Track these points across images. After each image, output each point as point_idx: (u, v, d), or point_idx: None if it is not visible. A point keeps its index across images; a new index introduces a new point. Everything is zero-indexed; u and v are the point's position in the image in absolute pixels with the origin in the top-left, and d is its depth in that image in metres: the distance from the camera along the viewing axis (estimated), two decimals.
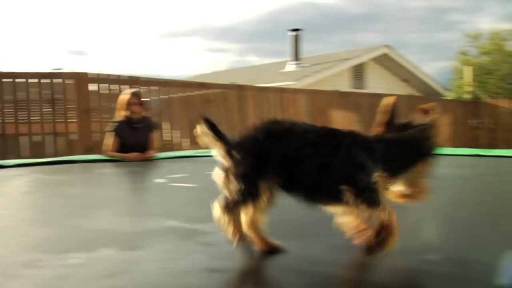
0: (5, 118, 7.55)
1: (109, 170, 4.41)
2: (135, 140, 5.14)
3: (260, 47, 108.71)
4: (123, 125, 5.21)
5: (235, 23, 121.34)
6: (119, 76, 8.56)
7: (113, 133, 5.16)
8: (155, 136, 5.40)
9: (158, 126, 5.47)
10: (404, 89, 18.93)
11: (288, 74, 17.31)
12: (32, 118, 7.69)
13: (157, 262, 1.44)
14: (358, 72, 18.07)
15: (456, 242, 1.67)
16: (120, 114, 5.28)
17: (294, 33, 18.76)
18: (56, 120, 7.89)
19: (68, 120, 7.95)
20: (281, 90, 11.00)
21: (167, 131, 8.97)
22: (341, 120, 12.04)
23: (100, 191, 3.13)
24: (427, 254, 1.47)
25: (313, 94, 11.56)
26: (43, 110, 7.81)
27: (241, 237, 1.47)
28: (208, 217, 1.52)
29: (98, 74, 8.30)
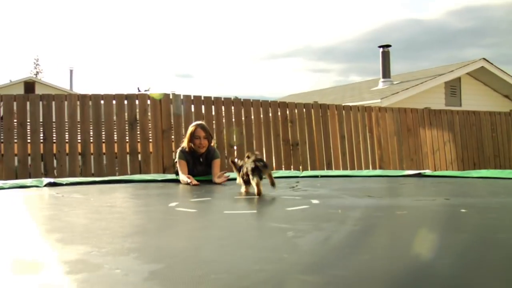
0: (89, 137, 7.85)
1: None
2: (198, 170, 5.27)
3: (363, 66, 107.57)
4: (188, 155, 5.32)
5: (337, 43, 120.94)
6: (200, 96, 8.64)
7: (181, 160, 5.24)
8: (217, 164, 5.35)
9: (219, 156, 5.45)
10: (507, 105, 17.75)
11: (375, 92, 16.79)
12: (113, 137, 7.95)
13: None
14: (453, 88, 17.17)
15: None
16: (186, 143, 5.38)
17: (383, 49, 18.15)
18: (138, 140, 8.12)
19: (150, 140, 8.15)
20: (366, 109, 10.64)
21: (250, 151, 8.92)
22: (432, 139, 11.50)
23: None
24: None
25: (401, 113, 11.12)
26: (125, 129, 8.06)
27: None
28: None
29: (175, 95, 8.44)
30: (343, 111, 10.22)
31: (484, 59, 16.98)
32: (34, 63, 60.54)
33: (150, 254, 1.82)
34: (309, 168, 9.37)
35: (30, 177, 6.45)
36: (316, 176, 5.57)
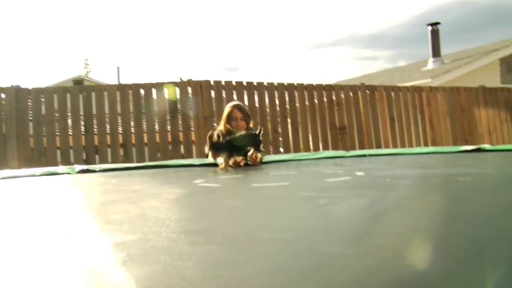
0: (130, 128, 7.74)
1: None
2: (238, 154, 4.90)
3: (411, 52, 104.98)
4: (224, 137, 4.98)
5: (383, 29, 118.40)
6: (241, 82, 8.39)
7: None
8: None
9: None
10: None
11: (426, 72, 16.06)
12: (154, 127, 7.82)
13: None
14: (509, 64, 16.22)
15: None
16: (222, 126, 5.09)
17: (432, 27, 17.29)
18: (179, 128, 7.96)
19: (192, 128, 7.97)
20: (416, 89, 10.13)
21: (295, 136, 8.63)
22: (488, 119, 10.88)
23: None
24: None
25: (453, 92, 10.53)
26: (166, 118, 7.91)
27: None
28: None
29: (216, 81, 8.21)
30: (392, 92, 9.75)
31: None
32: (84, 63, 61.77)
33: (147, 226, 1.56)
34: None
35: None
36: (364, 155, 5.23)
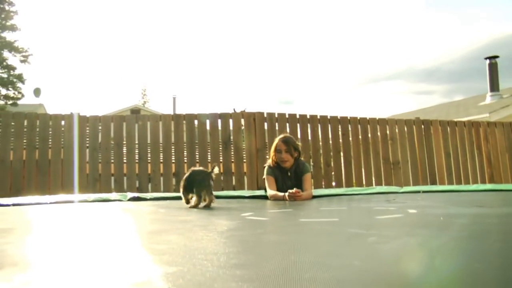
0: (183, 157, 7.84)
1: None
2: (286, 186, 4.91)
3: (468, 87, 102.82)
4: (275, 169, 5.04)
5: (440, 63, 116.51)
6: (295, 114, 8.39)
7: (268, 175, 4.98)
8: (308, 178, 5.03)
9: (309, 169, 5.12)
10: None
11: (483, 107, 15.64)
12: (206, 157, 7.87)
13: None
14: None
15: None
16: (270, 158, 5.14)
17: (490, 61, 16.92)
18: (232, 159, 8.00)
19: (244, 160, 8.00)
20: (473, 124, 9.85)
21: (348, 170, 8.52)
22: None
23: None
24: None
25: None
26: (218, 149, 7.97)
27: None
28: None
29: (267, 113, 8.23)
30: (448, 127, 9.52)
31: None
32: (142, 93, 63.54)
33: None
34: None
35: None
36: (418, 192, 5.09)
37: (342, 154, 8.56)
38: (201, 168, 4.14)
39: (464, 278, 1.22)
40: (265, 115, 8.22)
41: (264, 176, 5.10)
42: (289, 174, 5.04)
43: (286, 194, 4.55)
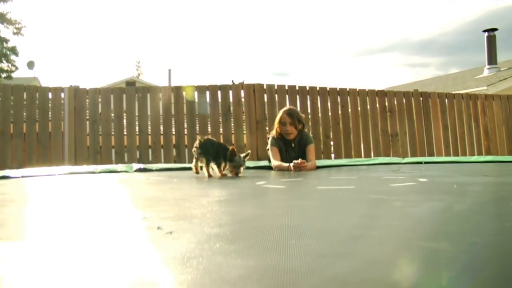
0: (183, 129, 7.84)
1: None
2: (290, 157, 5.00)
3: (464, 59, 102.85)
4: (280, 141, 5.11)
5: (435, 36, 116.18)
6: (294, 86, 8.39)
7: (273, 146, 5.04)
8: (311, 149, 5.10)
9: (312, 141, 5.18)
10: None
11: (480, 80, 15.69)
12: (207, 128, 7.88)
13: None
14: None
15: None
16: (274, 130, 5.20)
17: (488, 33, 16.87)
18: (232, 131, 8.00)
19: (244, 132, 8.01)
20: (471, 97, 9.89)
21: (346, 142, 8.56)
22: None
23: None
24: None
25: (510, 100, 10.23)
26: (218, 120, 7.97)
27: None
28: None
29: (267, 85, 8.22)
30: (446, 100, 9.55)
31: None
32: (136, 65, 63.12)
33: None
34: None
35: None
36: (420, 163, 5.14)
37: (341, 126, 8.58)
38: (213, 138, 4.24)
39: (499, 235, 1.26)
40: (265, 87, 8.20)
41: (268, 147, 5.15)
42: (293, 145, 5.10)
43: (291, 164, 4.60)
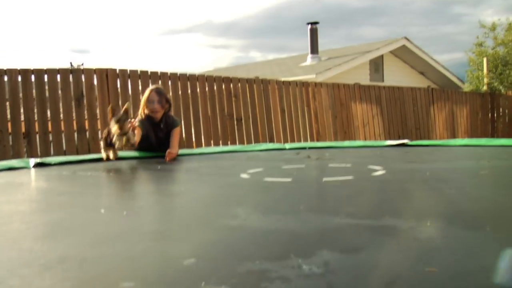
0: (33, 115, 7.47)
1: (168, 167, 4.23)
2: (158, 138, 5.03)
3: (263, 43, 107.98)
4: (146, 122, 5.02)
5: (237, 19, 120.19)
6: (146, 71, 8.46)
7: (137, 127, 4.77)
8: (177, 133, 5.11)
9: (179, 123, 5.25)
10: (421, 81, 18.81)
11: (307, 68, 17.18)
12: (59, 114, 7.64)
13: None
14: (377, 65, 17.94)
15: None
16: (142, 111, 5.12)
17: (311, 26, 18.70)
18: (85, 117, 7.83)
19: (98, 117, 7.89)
20: (304, 84, 10.89)
21: (197, 126, 8.87)
22: (362, 112, 11.96)
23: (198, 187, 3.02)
24: None
25: (334, 88, 11.47)
26: (71, 106, 7.74)
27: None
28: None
29: (123, 70, 8.21)
30: (283, 86, 10.39)
31: (405, 38, 17.84)
32: None
33: None
34: (252, 142, 9.46)
35: None
36: (304, 148, 5.39)
37: (191, 111, 8.87)
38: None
39: None
40: (118, 72, 8.16)
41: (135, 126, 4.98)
42: (161, 126, 5.06)
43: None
